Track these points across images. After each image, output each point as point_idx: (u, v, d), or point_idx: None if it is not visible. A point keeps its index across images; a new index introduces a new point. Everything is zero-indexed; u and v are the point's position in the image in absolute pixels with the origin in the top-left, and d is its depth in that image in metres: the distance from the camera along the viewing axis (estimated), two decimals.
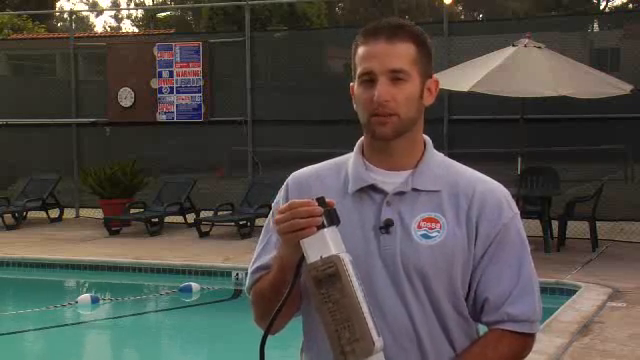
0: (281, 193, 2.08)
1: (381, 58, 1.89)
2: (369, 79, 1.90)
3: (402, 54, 1.90)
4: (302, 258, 1.79)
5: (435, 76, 1.99)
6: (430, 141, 2.02)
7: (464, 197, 1.94)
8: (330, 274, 1.73)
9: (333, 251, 1.75)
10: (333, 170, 2.04)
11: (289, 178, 2.08)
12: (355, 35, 2.00)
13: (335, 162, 2.06)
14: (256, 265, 2.05)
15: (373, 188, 1.95)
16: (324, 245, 1.76)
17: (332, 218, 1.78)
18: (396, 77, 1.89)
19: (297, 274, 1.81)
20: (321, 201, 1.79)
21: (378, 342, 1.73)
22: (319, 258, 1.75)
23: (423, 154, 1.99)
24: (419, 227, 1.91)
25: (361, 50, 1.93)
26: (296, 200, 1.81)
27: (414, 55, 1.91)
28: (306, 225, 1.76)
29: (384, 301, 1.89)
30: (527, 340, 1.96)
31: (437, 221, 1.91)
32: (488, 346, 1.93)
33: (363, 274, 1.84)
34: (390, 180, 1.95)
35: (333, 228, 1.78)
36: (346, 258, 1.76)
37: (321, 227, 1.77)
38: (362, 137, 2.03)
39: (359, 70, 1.92)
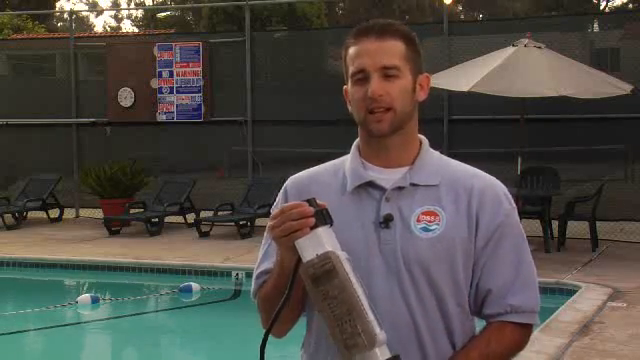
0: (280, 197, 2.08)
1: (373, 55, 1.92)
2: (362, 77, 1.93)
3: (393, 50, 1.93)
4: (299, 260, 1.80)
5: (426, 73, 2.02)
6: (426, 140, 2.05)
7: (463, 191, 1.96)
8: (327, 270, 1.75)
9: (328, 248, 1.77)
10: (331, 171, 2.06)
11: (287, 182, 2.09)
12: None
13: (333, 163, 2.09)
14: (259, 270, 2.07)
15: (371, 185, 1.97)
16: (318, 243, 1.77)
17: (324, 218, 1.80)
18: (388, 73, 1.92)
19: (294, 276, 1.81)
20: (312, 202, 1.80)
21: (380, 335, 1.74)
22: (315, 256, 1.76)
23: (419, 151, 2.01)
24: (418, 221, 1.93)
25: (352, 49, 1.96)
26: (287, 204, 1.83)
27: (404, 52, 1.95)
28: (299, 227, 1.78)
29: (384, 295, 1.90)
30: (527, 331, 2.00)
31: (436, 214, 1.93)
32: (491, 338, 1.95)
33: (363, 270, 1.85)
34: (388, 177, 1.97)
35: (326, 228, 1.80)
36: (342, 255, 1.77)
37: (314, 227, 1.78)
38: (358, 138, 2.05)
39: (351, 69, 1.95)
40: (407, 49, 1.95)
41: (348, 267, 1.76)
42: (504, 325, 1.95)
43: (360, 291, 1.75)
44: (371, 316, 1.74)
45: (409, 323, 1.91)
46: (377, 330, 1.74)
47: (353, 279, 1.75)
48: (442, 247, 1.91)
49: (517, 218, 2.02)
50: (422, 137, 2.05)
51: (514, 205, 2.02)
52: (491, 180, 2.02)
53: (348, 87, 1.98)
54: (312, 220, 1.78)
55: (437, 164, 2.01)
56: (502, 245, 1.96)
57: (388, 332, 1.80)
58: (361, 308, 1.74)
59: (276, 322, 1.85)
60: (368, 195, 1.96)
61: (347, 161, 2.04)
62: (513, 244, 1.98)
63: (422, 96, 2.00)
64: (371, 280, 1.88)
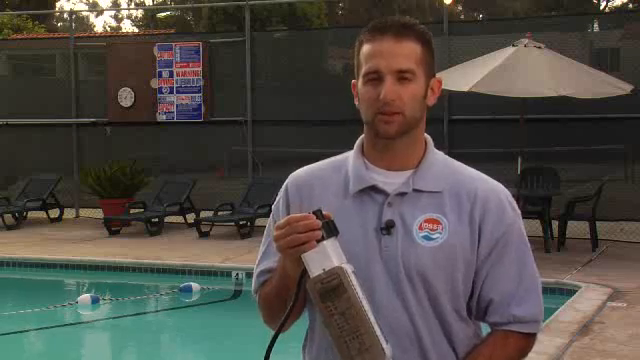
0: (280, 195, 2.06)
1: (388, 57, 1.88)
2: (375, 78, 1.89)
3: (409, 54, 1.89)
4: (304, 271, 1.78)
5: (438, 76, 1.99)
6: (431, 140, 2.01)
7: (466, 197, 1.93)
8: (334, 286, 1.73)
9: (335, 263, 1.75)
10: (332, 170, 2.02)
11: (288, 179, 2.06)
12: (355, 35, 1.99)
13: (334, 161, 2.05)
14: (260, 268, 2.05)
15: (374, 189, 1.94)
16: (325, 257, 1.75)
17: (331, 230, 1.77)
18: (403, 77, 1.88)
19: (299, 288, 1.80)
20: (318, 213, 1.78)
21: (387, 350, 1.74)
22: (322, 271, 1.74)
23: (424, 153, 1.98)
24: (421, 228, 1.90)
25: (367, 47, 1.91)
26: (294, 215, 1.80)
27: (420, 55, 1.91)
28: (306, 239, 1.75)
29: (385, 302, 1.88)
30: (531, 339, 1.98)
31: (439, 222, 1.90)
32: (496, 347, 1.94)
33: (364, 276, 1.83)
34: (391, 180, 1.94)
35: (332, 240, 1.77)
36: (349, 269, 1.76)
37: (320, 240, 1.76)
38: (361, 136, 2.02)
39: (365, 68, 1.91)
40: (423, 52, 1.91)
41: (355, 281, 1.75)
42: (508, 334, 1.94)
43: (367, 306, 1.74)
44: (378, 331, 1.73)
45: (410, 329, 1.89)
46: (384, 345, 1.73)
47: (360, 294, 1.74)
48: (443, 256, 1.89)
49: (521, 225, 1.98)
50: (427, 137, 2.01)
51: (518, 211, 1.98)
52: (494, 185, 1.98)
53: (358, 83, 1.94)
54: (319, 233, 1.76)
55: (441, 167, 1.97)
56: (505, 254, 1.93)
57: (389, 338, 1.79)
58: (369, 324, 1.73)
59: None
60: (370, 199, 1.93)
61: (349, 160, 2.00)
62: (516, 252, 1.95)
63: (432, 101, 1.97)
64: (372, 286, 1.87)
